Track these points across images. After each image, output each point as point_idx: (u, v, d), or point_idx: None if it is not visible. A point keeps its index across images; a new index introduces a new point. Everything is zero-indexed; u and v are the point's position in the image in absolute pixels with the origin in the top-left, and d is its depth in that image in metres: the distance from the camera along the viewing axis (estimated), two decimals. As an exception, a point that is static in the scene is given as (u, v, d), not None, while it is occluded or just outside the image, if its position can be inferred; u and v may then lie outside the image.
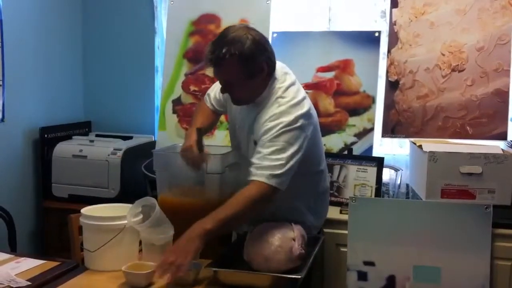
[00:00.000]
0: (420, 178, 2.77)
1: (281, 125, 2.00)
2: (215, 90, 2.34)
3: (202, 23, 3.36)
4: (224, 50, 1.97)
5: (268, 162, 1.95)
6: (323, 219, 2.42)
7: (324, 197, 2.39)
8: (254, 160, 1.98)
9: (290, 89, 2.11)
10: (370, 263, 2.40)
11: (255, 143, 2.07)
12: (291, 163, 1.98)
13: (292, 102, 2.06)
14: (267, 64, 2.07)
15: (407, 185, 3.13)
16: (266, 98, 2.10)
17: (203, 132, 2.22)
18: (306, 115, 2.08)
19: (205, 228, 1.85)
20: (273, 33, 3.36)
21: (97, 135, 3.51)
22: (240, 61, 1.99)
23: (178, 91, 3.38)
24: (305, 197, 2.26)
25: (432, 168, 2.62)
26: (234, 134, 2.29)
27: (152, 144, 3.37)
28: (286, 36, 3.37)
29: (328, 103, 3.25)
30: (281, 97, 2.08)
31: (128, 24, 3.71)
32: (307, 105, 2.12)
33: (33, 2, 3.36)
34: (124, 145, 3.26)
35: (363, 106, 3.20)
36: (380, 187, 3.00)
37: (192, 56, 3.39)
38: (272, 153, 1.97)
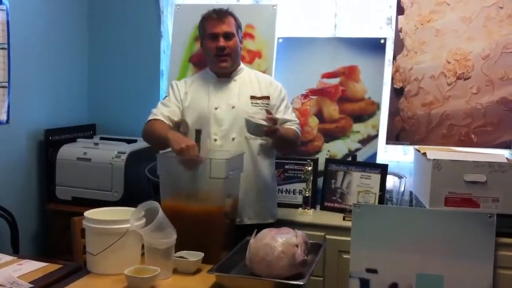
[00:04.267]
0: (424, 185, 2.77)
1: (283, 89, 2.64)
2: (160, 110, 2.55)
3: (208, 28, 3.36)
4: (227, 9, 2.58)
5: (296, 119, 2.62)
6: None
7: None
8: (288, 117, 2.57)
9: None
10: (373, 271, 2.39)
11: (252, 97, 2.54)
12: None
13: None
14: (243, 40, 2.68)
15: (411, 193, 3.12)
16: (243, 69, 2.63)
17: (201, 133, 2.35)
18: None
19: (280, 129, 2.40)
20: (278, 38, 3.36)
21: (101, 138, 3.51)
22: (236, 23, 2.58)
23: (183, 95, 3.38)
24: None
25: (436, 176, 2.61)
26: (211, 117, 2.52)
27: (156, 148, 3.38)
28: (291, 42, 3.38)
29: (332, 109, 3.25)
30: (255, 71, 2.77)
31: (134, 28, 3.72)
32: None
33: (40, 5, 3.37)
34: (128, 148, 3.26)
35: (368, 112, 3.20)
36: (383, 194, 2.99)
37: (197, 60, 3.39)
38: (292, 111, 2.65)
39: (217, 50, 2.50)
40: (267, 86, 2.60)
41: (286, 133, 2.45)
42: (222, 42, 2.50)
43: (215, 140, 2.50)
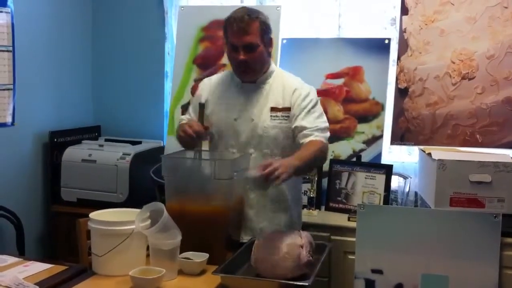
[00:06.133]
0: (429, 186, 2.76)
1: (312, 94, 2.37)
2: (187, 116, 2.52)
3: (212, 29, 3.37)
4: (249, 13, 2.27)
5: (320, 125, 2.30)
6: None
7: None
8: (306, 124, 2.28)
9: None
10: (378, 271, 2.39)
11: (272, 109, 2.34)
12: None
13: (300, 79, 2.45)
14: (272, 42, 2.38)
15: (416, 193, 3.12)
16: (272, 73, 2.39)
17: (204, 107, 2.34)
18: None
19: (294, 164, 2.07)
20: (282, 39, 3.36)
21: (106, 140, 3.53)
22: (261, 27, 2.28)
23: (187, 97, 3.38)
24: None
25: (441, 176, 2.61)
26: (228, 129, 2.39)
27: (161, 149, 3.38)
28: (295, 43, 3.38)
29: (337, 110, 3.25)
30: (287, 74, 2.45)
31: (138, 30, 3.72)
32: None
33: (44, 8, 3.38)
34: (133, 150, 3.27)
35: (372, 113, 3.20)
36: (388, 195, 2.99)
37: (201, 62, 3.40)
38: (319, 116, 2.33)
39: (238, 62, 2.30)
40: (290, 94, 2.34)
41: (302, 162, 2.13)
42: (242, 55, 2.26)
43: (233, 153, 2.37)
